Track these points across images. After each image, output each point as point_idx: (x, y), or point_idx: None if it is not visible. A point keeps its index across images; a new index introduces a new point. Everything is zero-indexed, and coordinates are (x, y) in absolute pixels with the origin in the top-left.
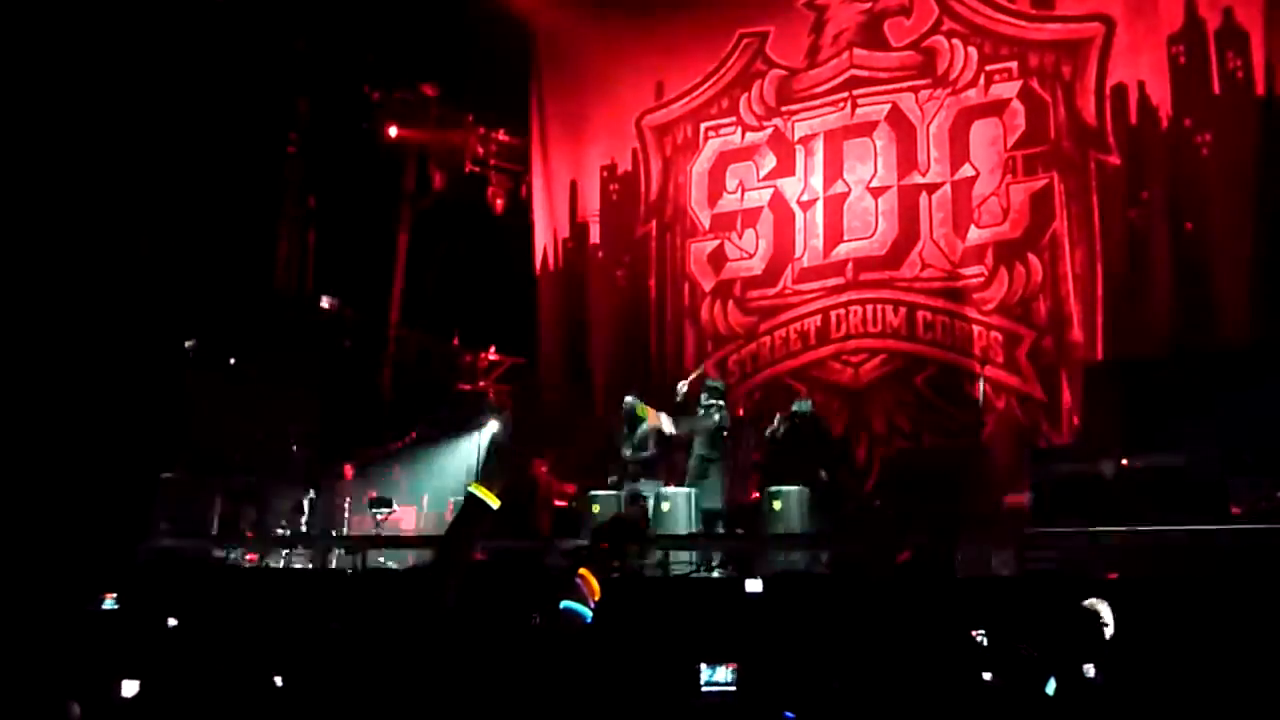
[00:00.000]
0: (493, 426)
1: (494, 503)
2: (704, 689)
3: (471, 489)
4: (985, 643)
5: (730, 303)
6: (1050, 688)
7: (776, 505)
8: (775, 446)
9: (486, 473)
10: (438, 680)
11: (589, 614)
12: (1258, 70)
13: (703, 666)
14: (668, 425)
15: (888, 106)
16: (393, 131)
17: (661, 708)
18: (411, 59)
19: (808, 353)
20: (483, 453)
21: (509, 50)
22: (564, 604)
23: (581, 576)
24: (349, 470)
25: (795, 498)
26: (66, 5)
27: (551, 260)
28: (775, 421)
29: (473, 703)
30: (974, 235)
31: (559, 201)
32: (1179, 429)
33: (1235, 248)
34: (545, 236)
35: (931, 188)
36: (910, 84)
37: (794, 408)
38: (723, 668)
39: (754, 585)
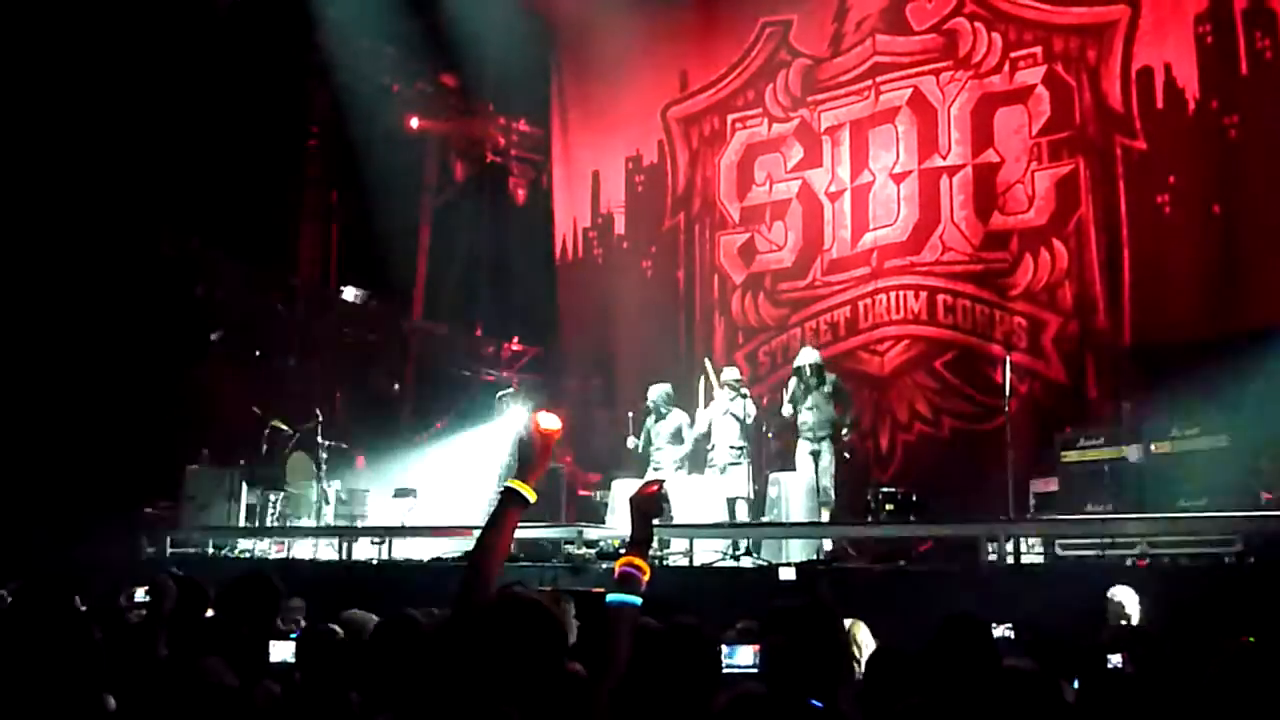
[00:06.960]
0: (520, 418)
1: (531, 497)
2: (725, 670)
3: (510, 484)
4: (1013, 637)
5: (761, 295)
6: (1075, 682)
7: (773, 493)
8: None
9: (521, 467)
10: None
11: (638, 600)
12: None
13: (724, 648)
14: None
15: (909, 91)
16: (414, 123)
17: (684, 688)
18: (431, 50)
19: (838, 344)
20: (515, 446)
21: (529, 40)
22: (609, 598)
23: (630, 564)
24: (362, 461)
25: (794, 483)
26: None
27: (571, 251)
28: (790, 387)
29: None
30: (998, 221)
31: (580, 192)
32: (1205, 414)
33: (1264, 230)
34: (565, 226)
35: (952, 170)
36: (931, 67)
37: (798, 362)
38: (745, 649)
39: (787, 573)
